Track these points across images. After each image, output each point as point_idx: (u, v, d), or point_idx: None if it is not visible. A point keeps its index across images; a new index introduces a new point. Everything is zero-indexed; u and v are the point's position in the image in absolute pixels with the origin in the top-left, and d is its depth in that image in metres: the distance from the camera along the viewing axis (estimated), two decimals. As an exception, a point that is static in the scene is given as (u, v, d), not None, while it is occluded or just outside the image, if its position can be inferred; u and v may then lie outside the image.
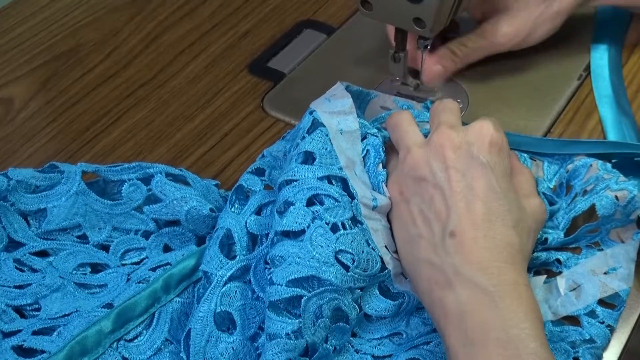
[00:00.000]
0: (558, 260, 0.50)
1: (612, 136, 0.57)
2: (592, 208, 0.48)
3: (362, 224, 0.46)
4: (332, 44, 0.69)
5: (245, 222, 0.48)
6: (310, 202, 0.45)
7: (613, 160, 0.53)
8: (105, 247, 0.51)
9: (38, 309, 0.47)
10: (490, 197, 0.43)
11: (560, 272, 0.49)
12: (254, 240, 0.48)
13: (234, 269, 0.46)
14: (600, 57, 0.63)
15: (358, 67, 0.66)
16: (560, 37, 0.66)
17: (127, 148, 0.61)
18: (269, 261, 0.45)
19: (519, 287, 0.40)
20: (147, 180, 0.51)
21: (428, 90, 0.62)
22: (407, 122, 0.49)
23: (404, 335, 0.47)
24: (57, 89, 0.67)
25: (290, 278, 0.42)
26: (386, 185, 0.48)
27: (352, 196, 0.46)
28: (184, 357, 0.44)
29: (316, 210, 0.44)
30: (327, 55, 0.68)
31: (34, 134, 0.63)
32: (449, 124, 0.46)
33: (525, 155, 0.55)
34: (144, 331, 0.46)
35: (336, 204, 0.45)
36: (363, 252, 0.44)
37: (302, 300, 0.42)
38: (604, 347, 0.46)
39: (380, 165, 0.49)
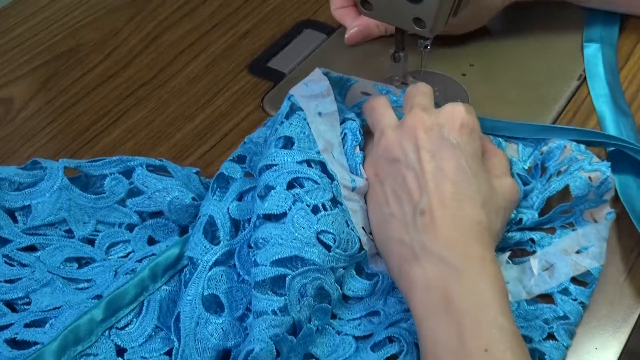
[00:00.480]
0: (532, 240, 0.51)
1: None
2: (566, 189, 0.50)
3: (342, 204, 0.47)
4: (332, 44, 0.69)
5: (228, 209, 0.49)
6: (290, 186, 0.47)
7: (609, 149, 0.54)
8: (90, 241, 0.52)
9: (29, 303, 0.48)
10: (460, 177, 0.45)
11: (534, 251, 0.50)
12: (236, 225, 0.49)
13: (218, 254, 0.47)
14: (593, 56, 0.63)
15: (358, 67, 0.66)
16: (561, 37, 0.67)
17: (127, 148, 0.61)
18: (252, 244, 0.46)
19: (484, 261, 0.42)
20: (128, 173, 0.52)
21: None
22: (383, 106, 0.51)
23: (382, 314, 0.48)
24: (57, 89, 0.67)
25: (274, 259, 0.44)
26: (363, 167, 0.49)
27: (331, 178, 0.47)
28: (175, 339, 0.45)
29: (297, 193, 0.46)
30: (327, 55, 0.68)
31: (34, 134, 0.63)
32: (421, 107, 0.48)
33: (500, 138, 0.56)
34: (134, 319, 0.47)
35: (316, 186, 0.46)
36: (343, 232, 0.46)
37: (287, 279, 0.43)
38: (577, 323, 0.47)
39: (358, 147, 0.50)
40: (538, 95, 0.61)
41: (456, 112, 0.47)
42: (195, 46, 0.71)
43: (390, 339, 0.46)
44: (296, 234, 0.44)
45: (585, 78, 0.62)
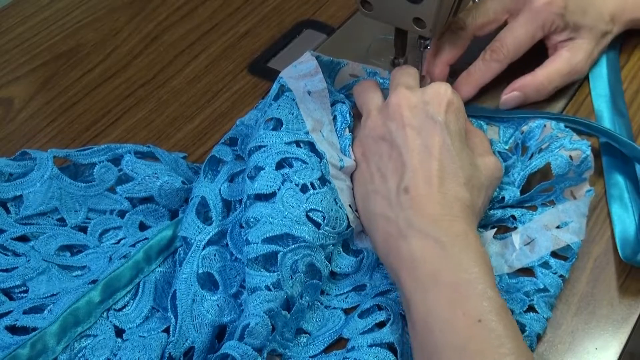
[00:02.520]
0: (513, 217, 0.52)
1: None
2: (547, 168, 0.51)
3: (330, 182, 0.48)
4: (332, 44, 0.69)
5: (219, 190, 0.50)
6: (280, 166, 0.48)
7: (601, 140, 0.56)
8: (83, 229, 0.52)
9: (26, 291, 0.48)
10: (444, 155, 0.45)
11: (515, 228, 0.51)
12: (227, 206, 0.50)
13: (211, 234, 0.48)
14: (598, 57, 0.63)
15: (358, 67, 0.66)
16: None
17: (127, 148, 0.61)
18: (243, 224, 0.47)
19: (468, 237, 0.43)
20: (117, 160, 0.52)
21: None
22: (371, 88, 0.52)
23: (368, 286, 0.49)
24: (57, 89, 0.67)
25: (265, 236, 0.45)
26: (352, 148, 0.50)
27: (320, 157, 0.48)
28: (172, 316, 0.45)
29: (286, 173, 0.47)
30: (327, 55, 0.68)
31: (34, 134, 0.63)
32: (406, 85, 0.49)
33: (481, 121, 0.58)
34: (131, 301, 0.48)
35: (304, 165, 0.47)
36: (332, 210, 0.47)
37: (279, 255, 0.44)
38: (557, 296, 0.48)
39: (347, 129, 0.51)
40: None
41: (442, 91, 0.48)
42: (195, 46, 0.71)
43: (378, 307, 0.47)
44: (286, 213, 0.45)
45: (585, 78, 0.62)
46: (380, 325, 0.46)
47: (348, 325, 0.47)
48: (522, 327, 0.46)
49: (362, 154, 0.49)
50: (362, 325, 0.46)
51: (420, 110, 0.47)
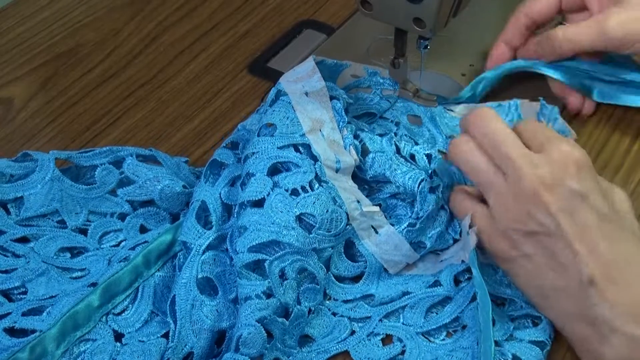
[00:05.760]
0: None
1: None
2: None
3: (327, 182, 0.48)
4: (332, 44, 0.69)
5: (220, 194, 0.50)
6: (276, 171, 0.47)
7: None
8: (83, 231, 0.52)
9: (25, 292, 0.48)
10: (605, 228, 0.41)
11: None
12: (228, 210, 0.50)
13: (211, 238, 0.48)
14: None
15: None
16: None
17: (127, 148, 0.61)
18: (236, 232, 0.47)
19: None
20: (118, 163, 0.52)
21: (427, 97, 0.61)
22: (475, 152, 0.45)
23: (375, 297, 0.49)
24: (57, 89, 0.67)
25: (251, 245, 0.45)
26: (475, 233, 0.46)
27: (315, 159, 0.48)
28: (171, 322, 0.45)
29: (276, 179, 0.47)
30: (327, 55, 0.67)
31: (34, 134, 0.63)
32: (522, 155, 0.43)
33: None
34: (130, 305, 0.48)
35: (296, 169, 0.47)
36: (327, 211, 0.46)
37: (266, 264, 0.44)
38: None
39: (345, 129, 0.51)
40: (537, 95, 0.61)
41: (566, 154, 0.42)
42: (195, 46, 0.71)
43: (389, 336, 0.47)
44: (275, 218, 0.45)
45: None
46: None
47: (355, 342, 0.46)
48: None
49: (513, 248, 0.44)
50: (382, 355, 0.45)
51: (559, 188, 0.41)
